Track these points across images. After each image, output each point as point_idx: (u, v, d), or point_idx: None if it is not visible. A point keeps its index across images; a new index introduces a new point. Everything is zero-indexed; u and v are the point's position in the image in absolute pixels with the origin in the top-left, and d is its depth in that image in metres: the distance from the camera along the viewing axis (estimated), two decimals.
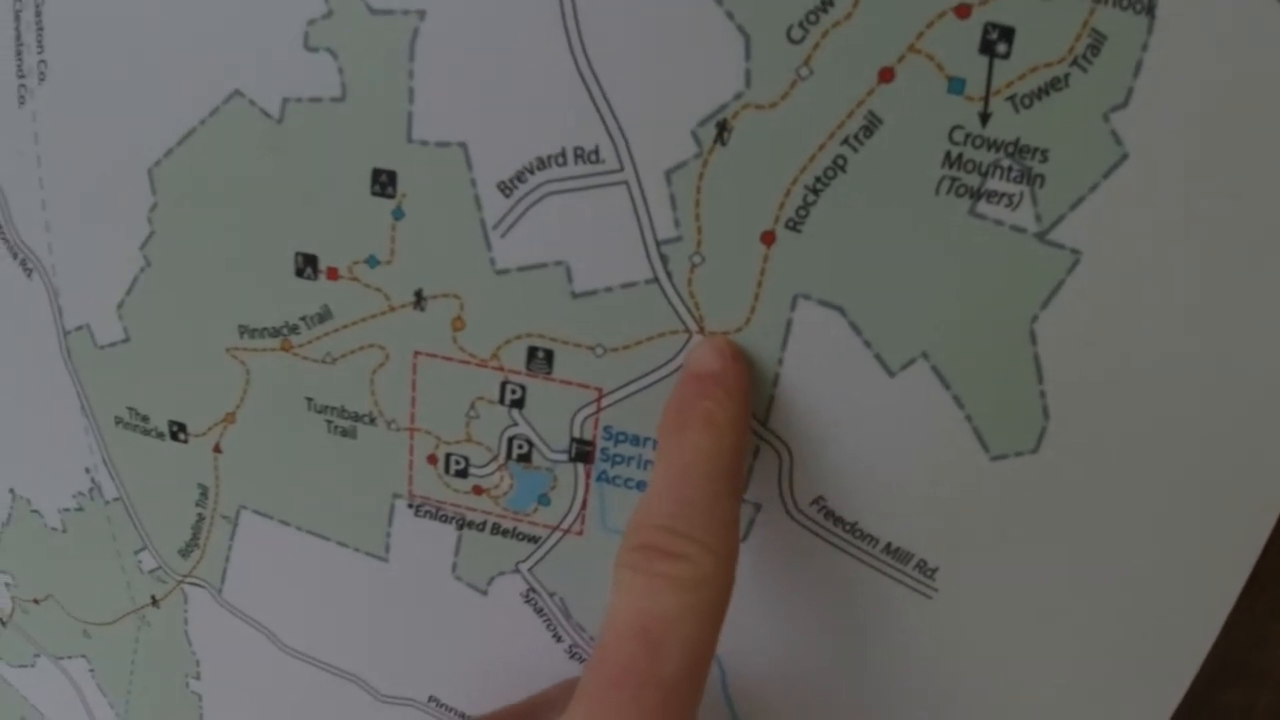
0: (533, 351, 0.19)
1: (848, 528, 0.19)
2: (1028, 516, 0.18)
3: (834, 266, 0.17)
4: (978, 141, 0.16)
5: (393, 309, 0.19)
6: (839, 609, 0.20)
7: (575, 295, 0.18)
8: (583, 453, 0.19)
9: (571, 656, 0.22)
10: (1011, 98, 0.15)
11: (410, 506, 0.21)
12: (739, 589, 0.19)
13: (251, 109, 0.18)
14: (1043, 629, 0.19)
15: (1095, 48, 0.15)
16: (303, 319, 0.20)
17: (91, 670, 0.27)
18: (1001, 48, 0.15)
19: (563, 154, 0.17)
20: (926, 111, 0.16)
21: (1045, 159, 0.16)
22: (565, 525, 0.20)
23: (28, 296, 0.22)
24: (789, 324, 0.17)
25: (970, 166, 0.16)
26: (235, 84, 0.18)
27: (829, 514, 0.19)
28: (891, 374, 0.18)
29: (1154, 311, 0.16)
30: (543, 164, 0.17)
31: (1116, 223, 0.16)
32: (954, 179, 0.16)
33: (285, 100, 0.18)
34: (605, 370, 0.18)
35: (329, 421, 0.20)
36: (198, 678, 0.26)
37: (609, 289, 0.18)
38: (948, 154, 0.16)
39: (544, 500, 0.20)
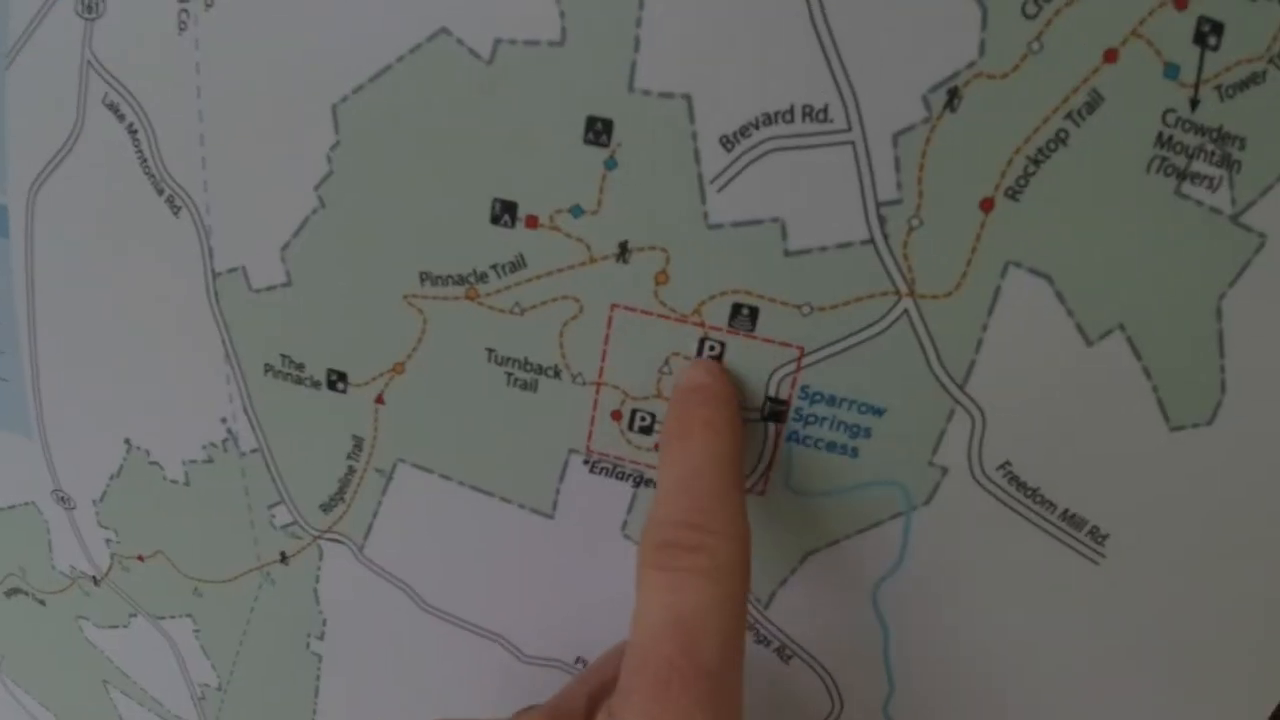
0: (737, 308, 0.19)
1: (1029, 493, 0.19)
2: (1198, 488, 0.19)
3: (1047, 236, 0.17)
4: (1187, 125, 0.16)
5: (593, 260, 0.19)
6: (1009, 574, 0.20)
7: (788, 253, 0.18)
8: (776, 412, 0.19)
9: None
10: (1218, 87, 0.16)
11: (586, 463, 0.21)
12: (915, 550, 0.20)
13: (459, 49, 0.18)
14: (1199, 600, 0.20)
15: None
16: (493, 267, 0.19)
17: (196, 630, 0.27)
18: (1212, 40, 0.16)
19: (790, 111, 0.17)
20: (1144, 93, 0.16)
21: (1243, 147, 0.16)
22: (749, 485, 0.20)
23: (173, 236, 0.21)
24: (998, 291, 0.18)
25: (1179, 148, 0.16)
26: (443, 21, 0.18)
27: (1013, 479, 0.19)
28: (1089, 343, 0.18)
29: None
30: (769, 120, 0.17)
31: None
32: (1164, 159, 0.16)
33: (497, 41, 0.18)
34: (809, 329, 0.18)
35: (509, 374, 0.20)
36: (320, 638, 0.25)
37: (823, 248, 0.18)
38: (1160, 135, 0.16)
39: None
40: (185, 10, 0.20)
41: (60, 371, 0.25)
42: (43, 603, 0.29)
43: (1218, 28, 0.16)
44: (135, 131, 0.21)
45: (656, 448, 0.20)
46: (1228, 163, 0.16)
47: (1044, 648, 0.21)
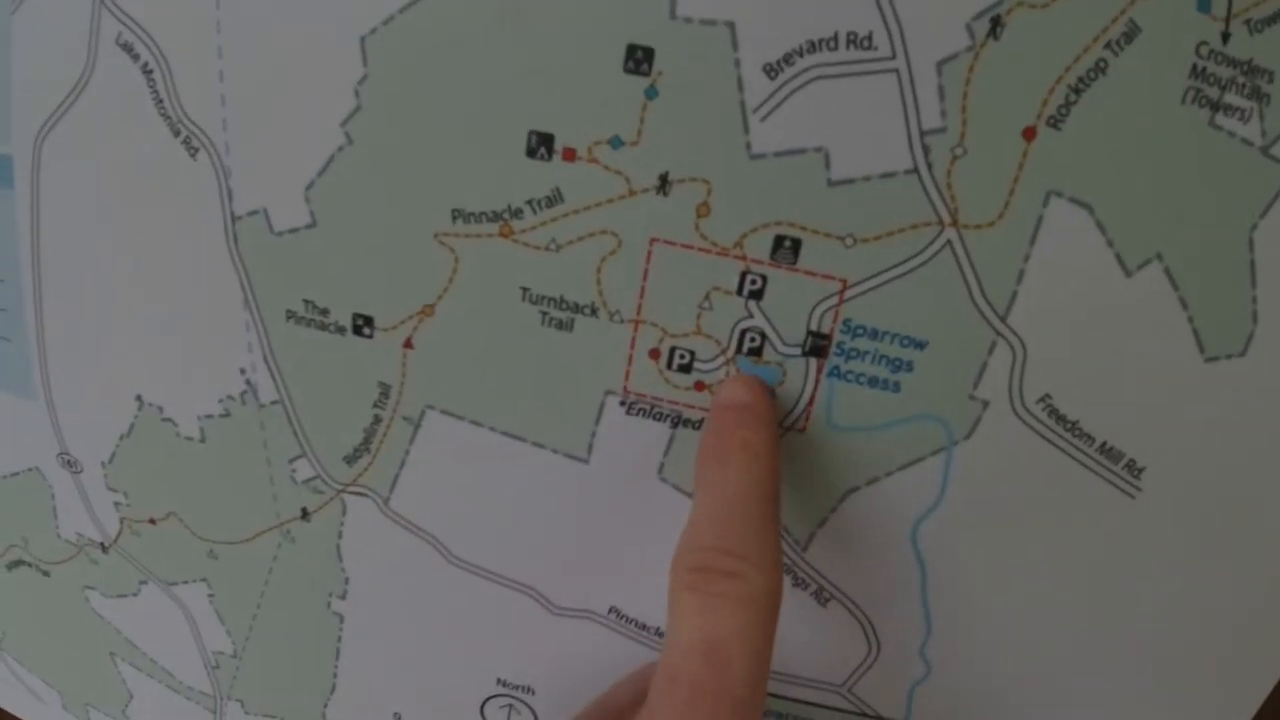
0: (780, 240, 0.18)
1: (1069, 426, 0.19)
2: (1231, 419, 0.19)
3: (1088, 165, 0.17)
4: (1219, 58, 0.16)
5: (633, 193, 0.18)
6: (1047, 508, 0.20)
7: (831, 183, 0.18)
8: (818, 346, 0.19)
9: None
10: (1247, 21, 0.16)
11: (623, 404, 0.20)
12: (955, 486, 0.20)
13: None
14: (1232, 531, 0.20)
15: None
16: (528, 202, 0.19)
17: (211, 595, 0.26)
18: None
19: (835, 38, 0.17)
20: (1178, 25, 0.16)
21: (1271, 80, 0.17)
22: (789, 421, 0.20)
23: (190, 178, 0.21)
24: (1040, 220, 0.18)
25: (1212, 80, 0.17)
26: None
27: (1053, 411, 0.19)
28: (1128, 274, 0.18)
29: None
30: (813, 47, 0.17)
31: None
32: (1198, 90, 0.17)
33: None
34: (853, 261, 0.18)
35: (544, 313, 0.20)
36: (343, 597, 0.24)
37: (867, 178, 0.18)
38: (1194, 66, 0.16)
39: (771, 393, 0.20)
40: None
41: (67, 328, 0.24)
42: (47, 574, 0.28)
43: None
44: (150, 71, 0.20)
45: (697, 387, 0.20)
46: (1258, 95, 0.17)
47: (1081, 581, 0.21)
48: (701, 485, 0.18)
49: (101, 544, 0.27)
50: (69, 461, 0.26)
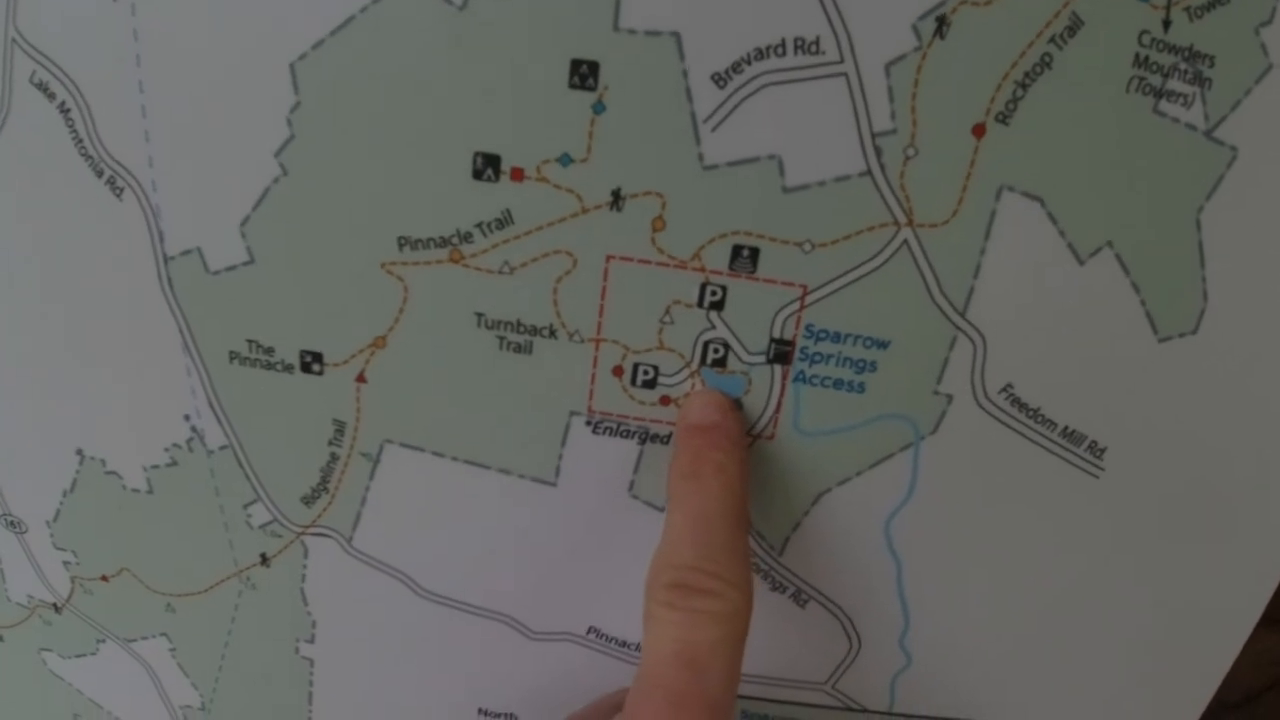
0: (738, 250, 0.18)
1: (1031, 413, 0.20)
2: (1186, 395, 0.20)
3: (1037, 158, 0.17)
4: (1160, 46, 0.17)
5: (585, 211, 0.18)
6: (1015, 494, 0.20)
7: (786, 190, 0.18)
8: (781, 353, 0.19)
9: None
10: (1187, 9, 0.17)
11: (588, 424, 0.20)
12: (924, 480, 0.20)
13: None
14: (1194, 504, 0.21)
15: None
16: (478, 226, 0.18)
17: (172, 649, 0.25)
18: None
19: (782, 44, 0.17)
20: (1120, 15, 0.17)
21: (1212, 65, 0.17)
22: (758, 430, 0.20)
23: (117, 220, 0.20)
24: (993, 215, 0.18)
25: (1155, 67, 0.17)
26: None
27: (1015, 401, 0.19)
28: (1081, 261, 0.18)
29: None
30: (761, 54, 0.17)
31: (1261, 125, 0.17)
32: (1141, 78, 0.17)
33: None
34: (812, 266, 0.18)
35: (501, 338, 0.19)
36: (311, 640, 0.24)
37: (821, 183, 0.18)
38: (1137, 55, 0.17)
39: (737, 406, 0.19)
40: None
41: None
42: (0, 639, 0.27)
43: None
44: (68, 110, 0.19)
45: (662, 401, 0.20)
46: (1199, 80, 0.17)
47: (1050, 562, 0.21)
48: (675, 504, 0.18)
49: (54, 605, 0.25)
50: (12, 523, 0.24)
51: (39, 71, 0.19)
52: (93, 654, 0.26)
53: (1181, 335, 0.19)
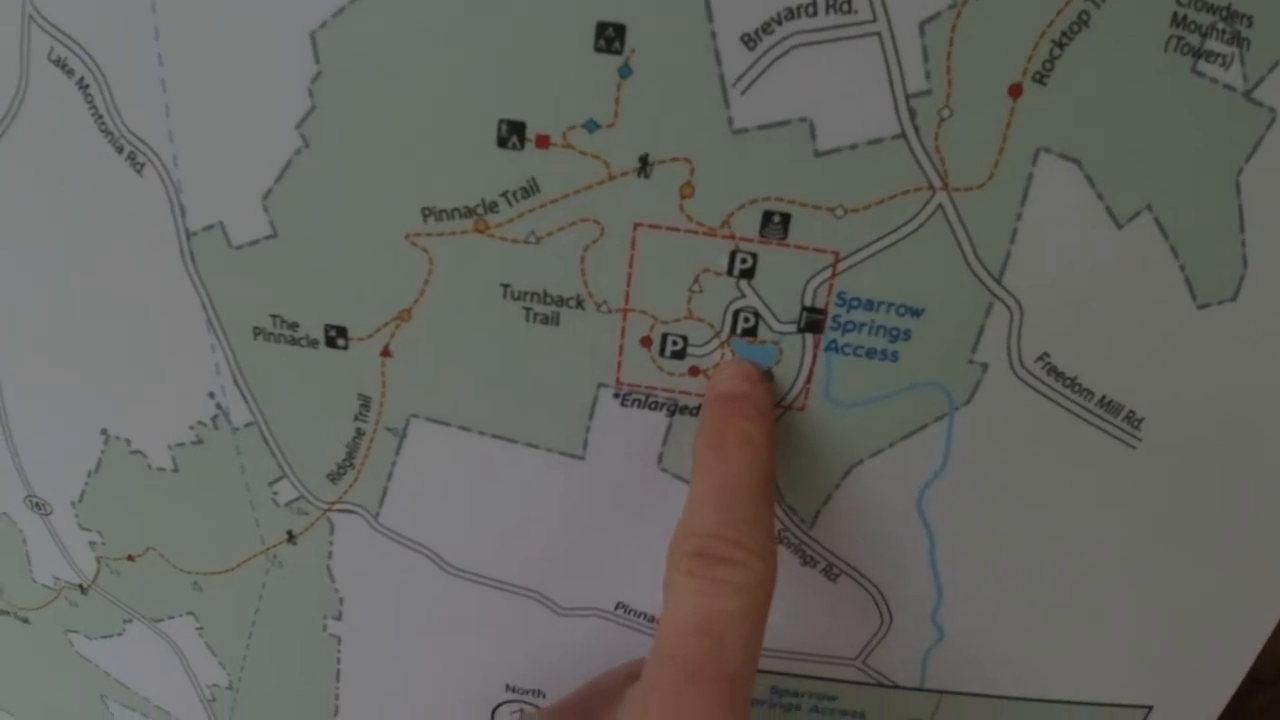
0: (768, 216, 0.18)
1: (1068, 383, 0.19)
2: (1225, 363, 0.19)
3: (1074, 119, 0.17)
4: (1199, 5, 0.16)
5: (612, 178, 0.18)
6: (1050, 465, 0.20)
7: (818, 154, 0.17)
8: (813, 322, 0.19)
9: (780, 542, 0.21)
10: None
11: (616, 396, 0.20)
12: (958, 451, 0.20)
13: None
14: (1232, 475, 0.20)
15: None
16: (503, 195, 0.18)
17: (200, 628, 0.25)
18: None
19: (814, 4, 0.16)
20: None
21: (1250, 24, 0.16)
22: (788, 401, 0.19)
23: (138, 197, 0.19)
24: (1030, 178, 0.17)
25: (1193, 27, 0.16)
26: None
27: (1052, 369, 0.19)
28: (1119, 226, 0.18)
29: None
30: (791, 14, 0.16)
31: None
32: (1179, 38, 0.16)
33: None
34: (844, 232, 0.18)
35: (527, 309, 0.19)
36: (338, 618, 0.24)
37: (854, 146, 0.17)
38: (1175, 14, 0.16)
39: (767, 376, 0.19)
40: None
41: (21, 364, 0.22)
42: (26, 621, 0.27)
43: None
44: (87, 86, 0.19)
45: (692, 372, 0.19)
46: (1238, 40, 0.16)
47: (1085, 534, 0.21)
48: (700, 473, 0.18)
49: (80, 586, 0.25)
50: (38, 504, 0.24)
51: (56, 48, 0.19)
52: (119, 635, 0.26)
53: (1220, 302, 0.18)
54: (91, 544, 0.24)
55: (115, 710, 0.28)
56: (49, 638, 0.27)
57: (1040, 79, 0.17)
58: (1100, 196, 0.18)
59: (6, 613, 0.27)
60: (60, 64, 0.19)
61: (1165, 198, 0.18)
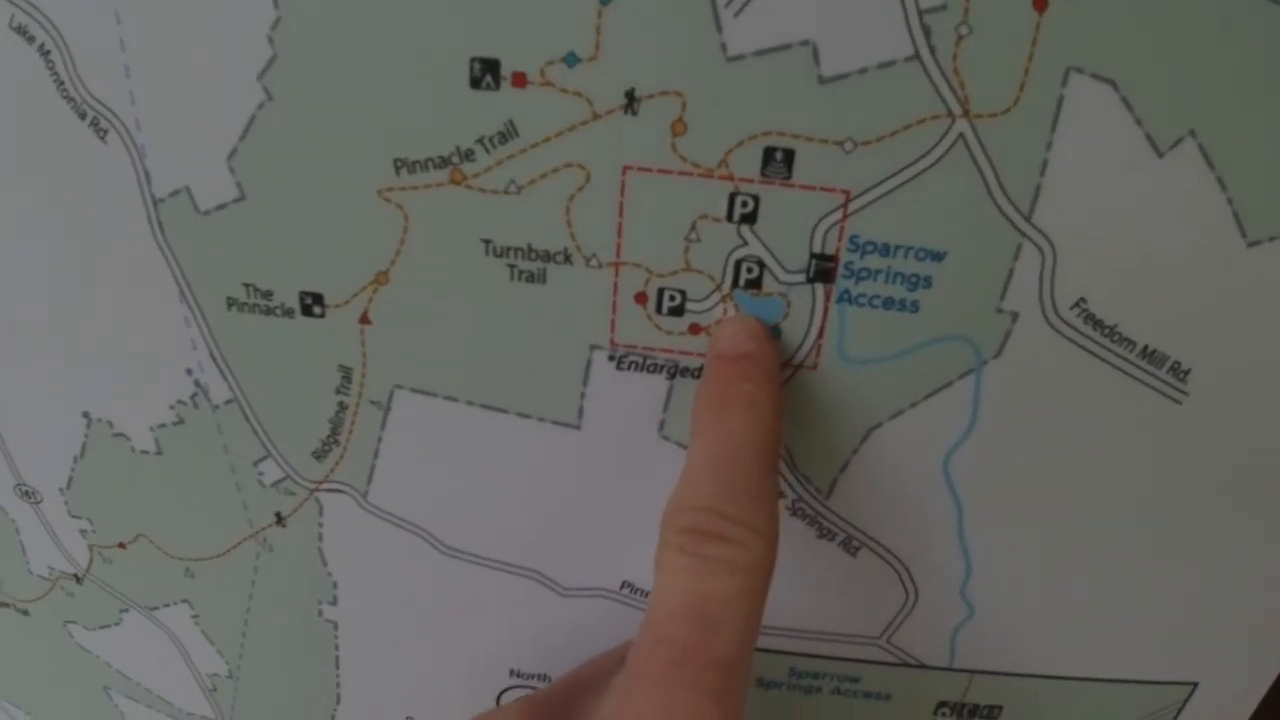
0: (770, 153, 0.16)
1: (1107, 331, 0.17)
2: (1278, 308, 0.17)
3: (1108, 35, 0.15)
4: None
5: (597, 116, 0.16)
6: (1089, 423, 0.18)
7: (823, 80, 0.15)
8: (823, 270, 0.17)
9: (794, 513, 0.20)
10: None
11: (611, 359, 0.18)
12: (987, 410, 0.18)
13: None
14: None
15: None
16: (479, 141, 0.17)
17: (195, 616, 0.24)
18: None
19: None
20: None
21: None
22: (798, 359, 0.18)
23: (103, 164, 0.18)
24: (1060, 101, 0.15)
25: None
26: None
27: (1089, 318, 0.17)
28: (1160, 154, 0.16)
29: None
30: None
31: None
32: None
33: None
34: (854, 168, 0.16)
35: (511, 266, 0.18)
36: (333, 602, 0.23)
37: (862, 70, 0.15)
38: None
39: (775, 332, 0.18)
40: None
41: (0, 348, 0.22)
42: (25, 613, 0.26)
43: None
44: (48, 53, 0.18)
45: (692, 330, 0.18)
46: None
47: (1127, 500, 0.19)
48: (698, 439, 0.17)
49: (75, 575, 0.25)
50: (27, 492, 0.24)
51: (17, 15, 0.18)
52: (116, 624, 0.25)
53: (1272, 239, 0.16)
54: (82, 532, 0.24)
55: (119, 702, 0.27)
56: (49, 629, 0.26)
57: None
58: (1139, 121, 0.16)
59: (7, 605, 0.26)
60: (21, 31, 0.18)
61: (1211, 122, 0.16)
